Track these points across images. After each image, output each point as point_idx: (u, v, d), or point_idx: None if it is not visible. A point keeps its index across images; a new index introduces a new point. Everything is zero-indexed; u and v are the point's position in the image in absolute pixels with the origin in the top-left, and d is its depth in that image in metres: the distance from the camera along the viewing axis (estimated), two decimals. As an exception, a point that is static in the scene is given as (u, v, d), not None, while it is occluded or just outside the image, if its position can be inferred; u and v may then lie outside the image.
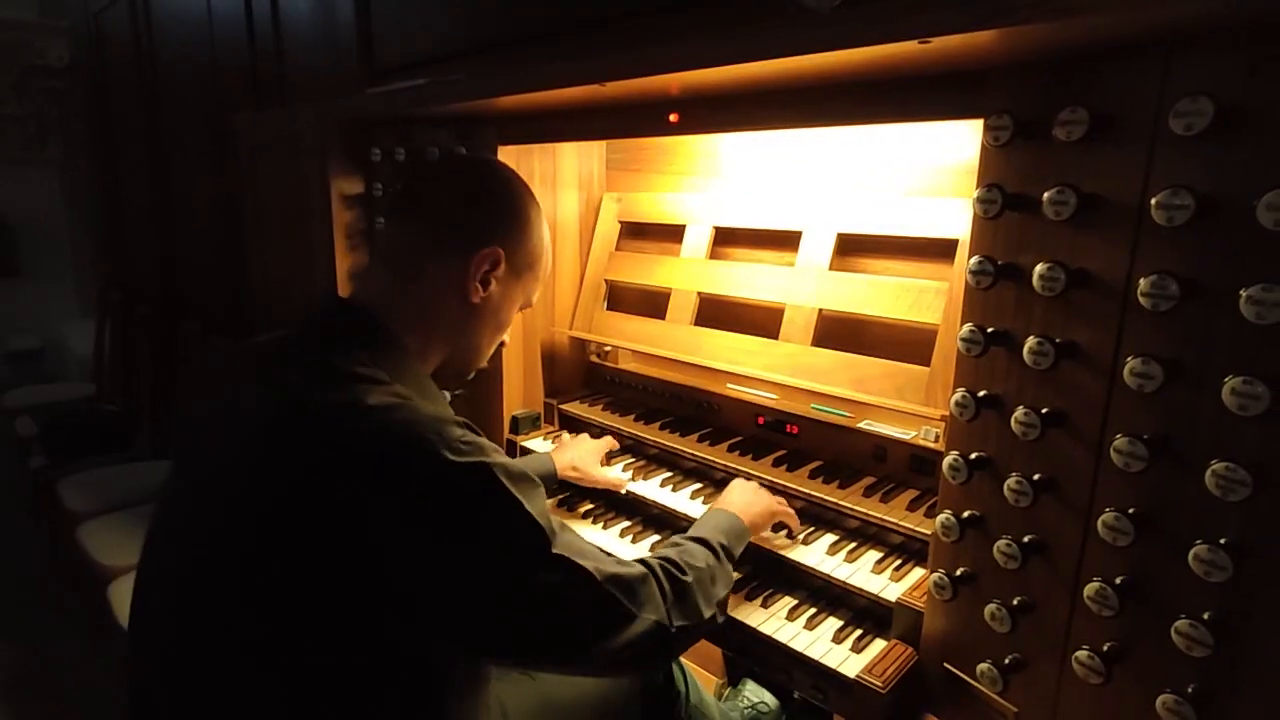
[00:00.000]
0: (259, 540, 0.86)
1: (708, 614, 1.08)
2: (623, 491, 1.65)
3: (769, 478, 1.52)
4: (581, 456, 1.68)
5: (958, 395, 1.04)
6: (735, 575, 1.39)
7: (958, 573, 1.09)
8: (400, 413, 0.88)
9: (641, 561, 1.05)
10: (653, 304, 1.85)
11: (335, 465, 0.83)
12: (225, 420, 0.98)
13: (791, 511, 1.44)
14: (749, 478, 1.53)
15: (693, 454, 1.67)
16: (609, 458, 1.76)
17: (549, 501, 1.70)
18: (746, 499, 1.39)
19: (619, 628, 0.95)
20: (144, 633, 1.00)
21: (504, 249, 1.08)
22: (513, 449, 1.89)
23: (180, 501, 1.00)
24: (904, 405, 1.39)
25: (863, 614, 1.31)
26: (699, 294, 1.76)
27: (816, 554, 1.38)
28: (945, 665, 1.14)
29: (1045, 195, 0.92)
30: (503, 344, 1.22)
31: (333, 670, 0.86)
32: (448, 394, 1.90)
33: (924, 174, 1.46)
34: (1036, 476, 0.98)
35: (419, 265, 1.06)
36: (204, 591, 0.90)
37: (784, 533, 1.44)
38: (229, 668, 0.89)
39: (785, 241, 1.65)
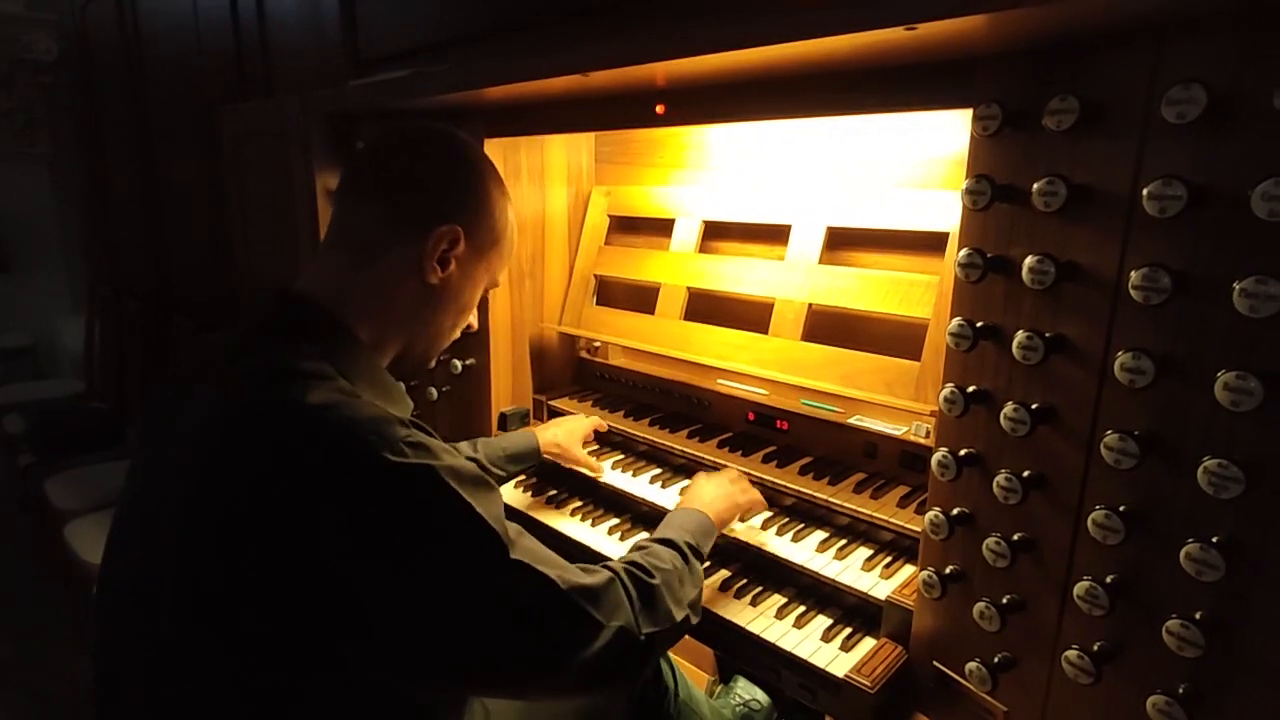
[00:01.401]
0: (209, 549, 0.82)
1: (679, 616, 1.04)
2: (600, 478, 1.65)
3: (759, 474, 1.50)
4: (565, 435, 1.69)
5: (946, 391, 1.03)
6: (725, 573, 1.39)
7: (947, 571, 1.08)
8: (340, 411, 0.82)
9: (606, 567, 1.01)
10: (642, 299, 1.83)
11: (275, 469, 0.79)
12: (180, 420, 0.95)
13: (758, 497, 1.43)
14: (740, 474, 1.52)
15: (682, 450, 1.66)
16: (598, 441, 1.78)
17: (532, 498, 1.69)
18: (711, 494, 1.35)
19: (586, 638, 0.90)
20: (107, 636, 0.97)
21: (463, 226, 1.01)
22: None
23: (138, 505, 0.97)
24: (894, 401, 1.37)
25: (852, 612, 1.29)
26: (688, 288, 1.74)
27: (806, 551, 1.37)
28: (935, 664, 1.12)
29: (1035, 186, 0.90)
30: (470, 328, 1.15)
31: (297, 685, 0.82)
32: (434, 391, 1.91)
33: (915, 166, 1.44)
34: (1026, 473, 0.96)
35: (373, 247, 0.99)
36: (158, 601, 0.86)
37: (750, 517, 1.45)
38: (187, 681, 0.85)
39: (775, 235, 1.63)
